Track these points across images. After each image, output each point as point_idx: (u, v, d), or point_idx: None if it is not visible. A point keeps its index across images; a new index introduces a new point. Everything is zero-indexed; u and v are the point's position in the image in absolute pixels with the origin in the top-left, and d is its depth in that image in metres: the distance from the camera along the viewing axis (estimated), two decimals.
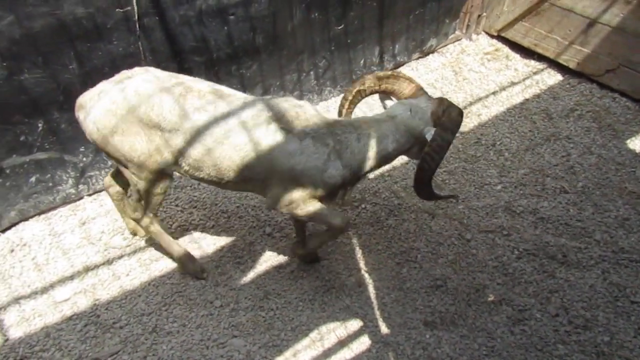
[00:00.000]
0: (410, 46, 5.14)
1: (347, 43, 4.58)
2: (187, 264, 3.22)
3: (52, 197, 3.60)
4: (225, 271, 3.32)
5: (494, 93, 4.85)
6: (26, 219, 3.57)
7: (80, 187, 3.69)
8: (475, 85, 4.95)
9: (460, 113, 2.72)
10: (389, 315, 3.10)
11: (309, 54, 4.38)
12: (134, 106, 2.51)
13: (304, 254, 3.24)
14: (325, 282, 3.27)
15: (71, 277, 3.25)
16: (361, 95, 2.97)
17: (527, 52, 5.24)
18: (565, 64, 4.96)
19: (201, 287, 3.21)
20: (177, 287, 3.22)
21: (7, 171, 3.30)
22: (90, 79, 3.29)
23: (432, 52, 5.41)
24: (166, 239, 3.16)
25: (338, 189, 2.79)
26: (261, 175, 2.66)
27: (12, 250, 3.38)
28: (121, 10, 3.18)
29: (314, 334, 2.98)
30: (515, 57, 5.28)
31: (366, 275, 3.33)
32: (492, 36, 5.54)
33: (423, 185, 2.85)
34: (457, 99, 4.77)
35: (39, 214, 3.60)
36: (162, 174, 2.75)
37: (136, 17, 3.26)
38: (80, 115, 2.65)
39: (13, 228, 3.51)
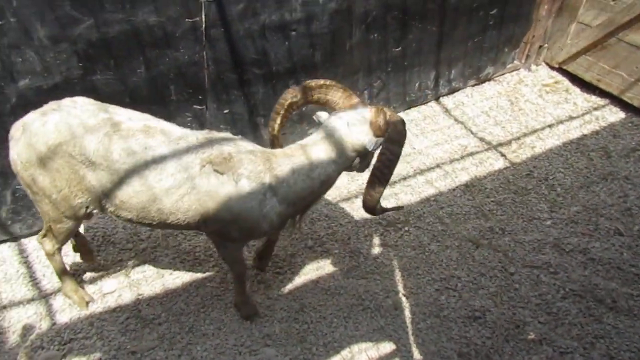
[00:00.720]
0: (467, 72, 5.11)
1: (404, 65, 4.61)
2: (72, 297, 3.18)
3: None
4: (263, 280, 3.38)
5: (550, 126, 4.73)
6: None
7: None
8: (531, 116, 4.85)
9: (403, 123, 2.57)
10: (422, 341, 3.06)
11: (364, 73, 4.43)
12: (55, 144, 2.40)
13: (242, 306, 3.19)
14: (362, 301, 3.26)
15: (119, 271, 3.39)
16: (292, 108, 2.75)
17: (588, 87, 5.09)
18: (629, 101, 4.78)
19: (244, 288, 3.27)
20: (216, 291, 3.29)
21: None
22: (155, 84, 3.47)
23: (489, 80, 5.35)
24: (60, 271, 3.10)
25: (281, 225, 2.74)
26: (196, 219, 2.56)
27: None
28: (190, 21, 3.34)
29: (345, 352, 2.97)
30: (575, 90, 5.14)
31: (403, 299, 3.30)
32: (552, 68, 5.42)
33: (374, 202, 2.70)
34: (511, 129, 4.69)
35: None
36: (79, 213, 2.65)
37: (203, 27, 3.41)
38: (10, 144, 2.52)
39: None
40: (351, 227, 3.78)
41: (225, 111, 3.89)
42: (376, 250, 3.62)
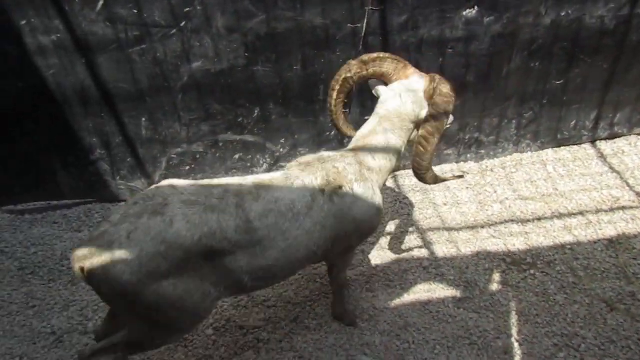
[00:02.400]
0: (635, 119, 4.61)
1: (562, 100, 4.30)
2: None
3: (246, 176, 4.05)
4: (373, 289, 3.38)
5: None
6: None
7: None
8: None
9: (451, 87, 2.50)
10: None
11: (516, 102, 4.22)
12: (195, 241, 2.08)
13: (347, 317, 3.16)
14: (470, 336, 3.11)
15: None
16: (349, 83, 2.72)
17: None
18: None
19: (346, 296, 3.31)
20: (325, 288, 3.36)
21: (220, 144, 3.82)
22: (307, 82, 3.65)
23: None
24: None
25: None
26: (329, 245, 2.53)
27: None
28: (352, 26, 3.46)
29: None
30: None
31: (516, 345, 3.07)
32: None
33: (422, 170, 2.66)
34: None
35: None
36: (208, 312, 2.32)
37: (363, 34, 3.51)
38: (94, 264, 1.98)
39: None
40: (471, 257, 3.62)
41: (366, 117, 3.95)
42: (494, 286, 3.42)
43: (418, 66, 3.70)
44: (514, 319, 3.21)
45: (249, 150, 3.90)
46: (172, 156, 3.78)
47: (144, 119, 3.58)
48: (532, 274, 3.50)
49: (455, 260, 3.59)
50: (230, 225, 2.16)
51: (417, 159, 2.62)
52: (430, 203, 4.07)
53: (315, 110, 3.82)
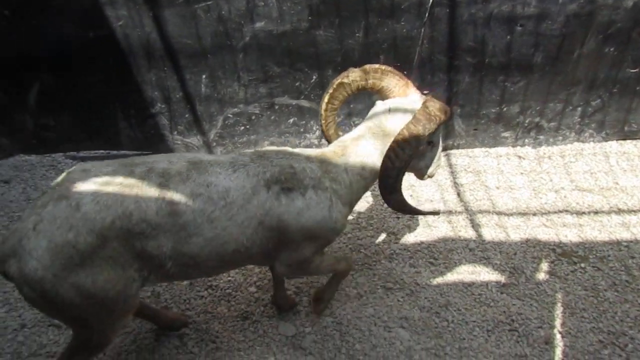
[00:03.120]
0: None
1: (635, 90, 4.06)
2: None
3: (298, 141, 4.07)
4: (416, 265, 3.36)
5: None
6: None
7: (323, 141, 4.08)
8: None
9: (440, 108, 2.27)
10: None
11: (584, 88, 4.02)
12: (107, 224, 1.92)
13: (324, 307, 2.99)
14: (511, 322, 3.06)
15: None
16: (345, 90, 2.53)
17: None
18: None
19: (389, 269, 3.31)
20: (367, 260, 3.37)
21: (276, 107, 3.83)
22: (367, 50, 3.58)
23: None
24: None
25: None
26: (270, 246, 2.33)
27: None
28: None
29: None
30: None
31: (558, 336, 3.00)
32: None
33: (387, 189, 2.39)
34: None
35: None
36: (135, 300, 2.19)
37: (429, 4, 3.40)
38: (10, 266, 1.88)
39: None
40: (520, 244, 3.53)
41: (425, 92, 3.86)
42: (541, 275, 3.34)
43: (484, 41, 3.61)
44: (558, 310, 3.13)
45: (303, 115, 3.90)
46: (229, 115, 3.83)
47: (204, 76, 3.63)
48: (582, 267, 3.39)
49: (502, 245, 3.52)
50: (150, 206, 1.98)
51: (382, 175, 2.35)
52: (482, 185, 3.98)
53: None
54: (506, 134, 4.20)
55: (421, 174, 2.65)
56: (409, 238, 3.53)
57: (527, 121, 4.12)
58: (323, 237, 2.41)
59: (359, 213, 3.69)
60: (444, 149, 4.22)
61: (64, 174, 2.04)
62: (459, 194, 3.90)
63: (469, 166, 4.16)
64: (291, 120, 3.92)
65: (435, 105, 2.29)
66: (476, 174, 4.09)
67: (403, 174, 2.37)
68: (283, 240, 2.33)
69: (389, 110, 2.43)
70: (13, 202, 3.58)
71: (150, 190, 2.01)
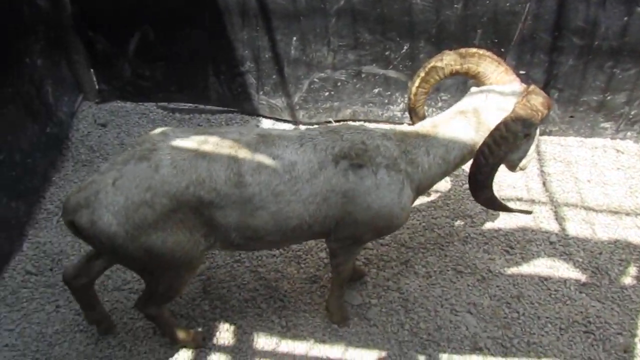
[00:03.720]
0: None
1: None
2: (189, 344, 2.72)
3: (381, 112, 4.01)
4: (490, 252, 3.26)
5: None
6: (354, 120, 4.08)
7: (406, 114, 3.99)
8: None
9: (543, 103, 2.11)
10: None
11: None
12: (181, 189, 1.98)
13: (339, 316, 2.85)
14: (587, 324, 2.91)
15: None
16: (438, 74, 2.38)
17: None
18: None
19: (462, 252, 3.24)
20: (441, 240, 3.31)
21: (363, 75, 3.78)
22: (464, 23, 3.42)
23: None
24: (170, 324, 2.63)
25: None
26: (332, 224, 2.28)
27: None
28: None
29: None
30: None
31: (639, 346, 2.84)
32: None
33: (477, 184, 2.29)
34: None
35: (365, 120, 4.07)
36: (200, 262, 2.32)
37: None
38: (81, 216, 1.95)
39: (343, 122, 4.08)
40: (607, 243, 3.32)
41: (522, 72, 3.65)
42: (628, 280, 3.13)
43: (596, 22, 3.33)
44: None
45: (389, 86, 3.82)
46: (315, 80, 3.82)
47: (294, 39, 3.62)
48: None
49: (587, 242, 3.33)
50: (220, 175, 2.03)
51: (473, 170, 2.26)
52: (572, 177, 3.75)
53: None
54: (606, 125, 3.90)
55: (513, 167, 2.50)
56: (486, 223, 3.42)
57: (632, 113, 3.79)
58: (386, 222, 2.32)
59: (437, 191, 3.61)
60: None
61: (144, 135, 2.11)
62: (544, 184, 3.70)
63: (560, 155, 3.92)
64: (376, 90, 3.85)
65: (537, 99, 2.13)
66: (566, 164, 3.85)
67: (496, 171, 2.25)
68: (346, 220, 2.27)
69: (486, 96, 2.30)
70: (108, 145, 3.82)
71: (221, 160, 2.04)
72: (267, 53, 3.72)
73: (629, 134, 3.93)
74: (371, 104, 3.94)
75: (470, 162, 2.33)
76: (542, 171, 3.77)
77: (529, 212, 2.69)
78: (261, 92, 3.95)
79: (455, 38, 3.50)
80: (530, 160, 2.49)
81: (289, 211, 2.14)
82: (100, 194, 1.93)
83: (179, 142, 2.05)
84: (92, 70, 3.99)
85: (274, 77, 3.84)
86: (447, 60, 2.35)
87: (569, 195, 3.61)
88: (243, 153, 2.08)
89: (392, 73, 3.75)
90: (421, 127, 2.39)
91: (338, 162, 2.17)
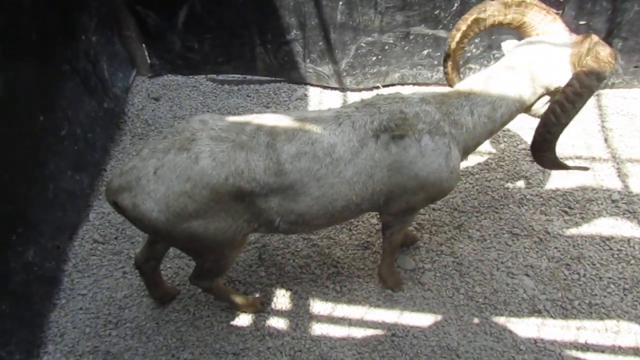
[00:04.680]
0: None
1: None
2: (248, 309, 2.82)
3: (430, 74, 3.90)
4: (548, 212, 3.16)
5: None
6: (403, 84, 4.00)
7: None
8: None
9: (611, 54, 1.96)
10: None
11: None
12: (221, 180, 1.99)
13: (392, 281, 2.86)
14: None
15: None
16: (479, 26, 2.25)
17: None
18: None
19: (517, 215, 3.16)
20: (495, 203, 3.24)
21: (411, 37, 3.68)
22: None
23: None
24: (225, 294, 2.75)
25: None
26: (381, 200, 2.24)
27: None
28: None
29: (611, 324, 2.67)
30: None
31: None
32: None
33: (544, 145, 2.21)
34: None
35: (414, 84, 3.98)
36: (244, 242, 2.37)
37: None
38: (124, 199, 2.01)
39: (391, 87, 4.01)
40: None
41: (582, 22, 3.45)
42: None
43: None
44: None
45: (439, 47, 3.70)
46: (362, 45, 3.75)
47: (340, 3, 3.55)
48: None
49: None
50: (259, 165, 2.01)
51: (542, 131, 2.15)
52: (636, 131, 3.55)
53: None
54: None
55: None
56: (543, 184, 3.31)
57: None
58: (436, 187, 2.25)
59: (490, 153, 3.52)
60: None
61: (183, 122, 2.12)
62: (606, 140, 3.53)
63: (623, 109, 3.71)
64: (425, 52, 3.74)
65: (606, 50, 1.98)
66: (630, 118, 3.64)
67: (562, 129, 2.14)
68: (395, 192, 2.24)
69: (536, 47, 2.17)
70: (162, 119, 3.93)
71: (259, 149, 2.03)
72: (313, 19, 3.67)
73: None
74: (420, 67, 3.84)
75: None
76: (603, 127, 3.59)
77: (586, 169, 2.60)
78: (308, 60, 3.92)
79: None
80: None
81: (333, 193, 2.12)
82: (142, 181, 1.97)
83: (217, 132, 2.04)
84: (143, 45, 4.07)
85: (320, 44, 3.80)
86: (491, 11, 2.23)
87: (632, 150, 3.43)
88: (281, 140, 2.05)
89: (442, 33, 3.62)
90: (464, 84, 2.30)
91: (379, 137, 2.12)
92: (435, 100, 2.21)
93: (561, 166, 2.41)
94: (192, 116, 2.23)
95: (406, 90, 3.86)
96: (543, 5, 2.20)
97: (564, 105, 2.02)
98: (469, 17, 2.27)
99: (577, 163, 3.39)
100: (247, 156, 2.01)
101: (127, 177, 2.00)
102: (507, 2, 2.21)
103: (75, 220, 3.23)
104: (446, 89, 2.34)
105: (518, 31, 2.30)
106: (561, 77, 2.09)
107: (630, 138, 3.51)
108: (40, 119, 2.94)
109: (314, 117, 2.16)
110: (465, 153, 2.36)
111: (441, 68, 3.83)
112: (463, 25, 2.30)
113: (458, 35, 2.32)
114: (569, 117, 2.06)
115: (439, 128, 2.15)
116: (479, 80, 2.26)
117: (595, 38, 2.05)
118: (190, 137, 2.02)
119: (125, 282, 3.01)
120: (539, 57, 2.16)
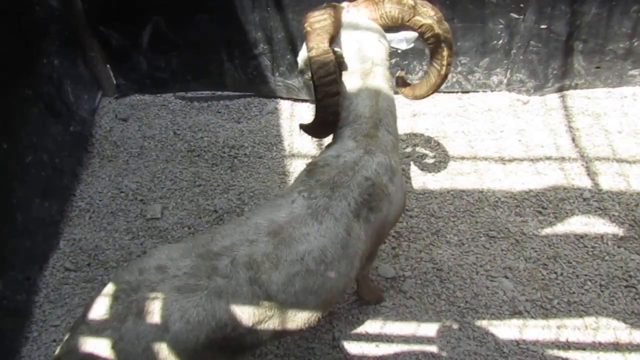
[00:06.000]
0: None
1: None
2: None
3: None
4: (522, 214, 3.21)
5: None
6: None
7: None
8: None
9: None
10: None
11: None
12: (196, 343, 1.66)
13: (373, 297, 2.86)
14: (628, 278, 2.86)
15: None
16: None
17: None
18: None
19: (493, 217, 3.19)
20: (470, 207, 3.27)
21: None
22: None
23: None
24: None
25: None
26: (365, 260, 2.17)
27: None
28: None
29: (590, 320, 2.71)
30: None
31: None
32: None
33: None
34: None
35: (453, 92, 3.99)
36: None
37: None
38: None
39: None
40: None
41: (543, 26, 3.52)
42: None
43: None
44: None
45: (407, 55, 3.74)
46: None
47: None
48: None
49: (622, 195, 3.25)
50: (245, 310, 1.71)
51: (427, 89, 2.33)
52: (602, 129, 3.64)
53: (485, 16, 3.48)
54: (634, 72, 3.76)
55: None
56: (516, 185, 3.36)
57: None
58: (400, 211, 2.24)
59: (463, 158, 3.55)
60: (559, 90, 3.87)
61: (135, 272, 1.70)
62: (574, 139, 3.61)
63: (587, 108, 3.80)
64: (394, 61, 3.77)
65: (424, 3, 2.11)
66: (595, 117, 3.74)
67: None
68: (377, 242, 2.24)
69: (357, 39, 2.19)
70: (131, 139, 3.85)
71: (241, 291, 1.71)
72: (279, 33, 3.67)
73: None
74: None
75: None
76: (570, 127, 3.67)
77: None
78: (277, 74, 3.91)
79: None
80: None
81: (334, 288, 1.94)
82: None
83: (184, 280, 1.67)
84: (108, 65, 4.00)
85: (288, 57, 3.79)
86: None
87: (599, 149, 3.52)
88: (266, 270, 1.75)
89: None
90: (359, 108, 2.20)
91: (359, 215, 1.97)
92: (370, 144, 2.10)
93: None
94: (142, 259, 1.77)
95: None
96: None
97: (439, 68, 2.27)
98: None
99: (548, 164, 3.45)
100: (227, 304, 1.68)
101: (73, 355, 1.60)
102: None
103: (46, 249, 3.13)
104: (363, 130, 2.17)
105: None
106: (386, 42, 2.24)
107: (597, 137, 3.60)
108: (4, 146, 2.84)
109: (286, 219, 1.88)
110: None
111: (410, 75, 3.87)
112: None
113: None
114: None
115: (392, 167, 2.11)
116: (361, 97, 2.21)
117: None
118: (150, 294, 1.63)
119: None
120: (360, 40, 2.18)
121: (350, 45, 2.16)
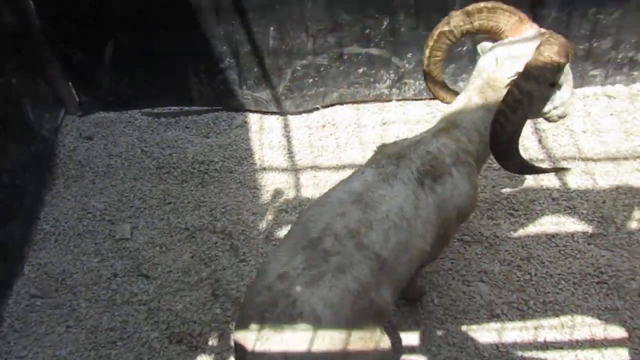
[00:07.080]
0: None
1: None
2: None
3: (368, 92, 3.94)
4: (495, 217, 3.24)
5: None
6: (342, 104, 4.01)
7: (393, 90, 3.93)
8: None
9: (559, 51, 1.89)
10: None
11: None
12: (346, 321, 1.85)
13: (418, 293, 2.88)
14: (599, 274, 2.91)
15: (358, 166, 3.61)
16: (448, 38, 2.26)
17: None
18: None
19: (466, 222, 3.20)
20: None
21: (345, 57, 3.71)
22: None
23: None
24: None
25: None
26: (435, 242, 2.21)
27: (324, 126, 3.89)
28: None
29: (566, 319, 2.74)
30: None
31: None
32: None
33: (500, 155, 2.16)
34: None
35: (353, 102, 4.00)
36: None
37: None
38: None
39: (330, 108, 4.01)
40: (609, 191, 3.31)
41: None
42: (634, 224, 3.13)
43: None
44: None
45: (373, 64, 3.76)
46: (297, 68, 3.75)
47: (272, 29, 3.54)
48: None
49: (590, 193, 3.31)
50: (365, 273, 1.88)
51: (492, 143, 2.12)
52: (567, 130, 3.72)
53: None
54: (595, 72, 3.86)
55: (549, 119, 2.38)
56: (487, 189, 3.39)
57: (620, 56, 3.76)
58: (469, 210, 2.30)
59: None
60: None
61: (259, 292, 1.84)
62: (540, 140, 3.67)
63: None
64: (361, 70, 3.78)
65: (552, 49, 1.91)
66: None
67: (519, 135, 2.12)
68: (441, 230, 2.21)
69: (496, 59, 2.17)
70: (96, 158, 3.74)
71: (357, 260, 1.88)
72: (245, 47, 3.64)
73: (618, 78, 3.90)
74: (357, 85, 3.88)
75: None
76: (535, 128, 3.74)
77: (566, 169, 2.72)
78: (244, 87, 3.87)
79: (435, 6, 3.41)
80: (567, 106, 2.30)
81: (416, 253, 2.07)
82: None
83: (308, 272, 1.82)
84: (70, 83, 3.90)
85: (255, 70, 3.77)
86: (455, 22, 2.23)
87: (565, 148, 3.59)
88: (363, 234, 1.93)
89: (374, 51, 3.68)
90: (447, 117, 2.34)
91: (423, 183, 2.11)
92: (442, 134, 2.26)
93: (534, 169, 2.42)
94: (259, 279, 1.90)
95: (345, 110, 3.94)
96: (506, 6, 2.17)
97: (506, 114, 1.99)
98: (435, 32, 2.30)
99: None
100: (352, 275, 1.85)
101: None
102: (470, 11, 2.20)
103: (9, 275, 3.00)
104: (440, 125, 2.34)
105: (489, 36, 2.28)
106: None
107: (562, 137, 3.67)
108: None
109: (363, 187, 2.06)
110: (480, 168, 2.43)
111: (377, 84, 3.89)
112: (430, 41, 2.33)
113: (427, 51, 2.35)
114: (515, 124, 2.03)
115: (459, 157, 2.20)
116: (457, 110, 2.31)
117: (548, 34, 2.01)
118: (288, 300, 1.77)
119: (70, 337, 2.80)
120: (503, 67, 2.15)
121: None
